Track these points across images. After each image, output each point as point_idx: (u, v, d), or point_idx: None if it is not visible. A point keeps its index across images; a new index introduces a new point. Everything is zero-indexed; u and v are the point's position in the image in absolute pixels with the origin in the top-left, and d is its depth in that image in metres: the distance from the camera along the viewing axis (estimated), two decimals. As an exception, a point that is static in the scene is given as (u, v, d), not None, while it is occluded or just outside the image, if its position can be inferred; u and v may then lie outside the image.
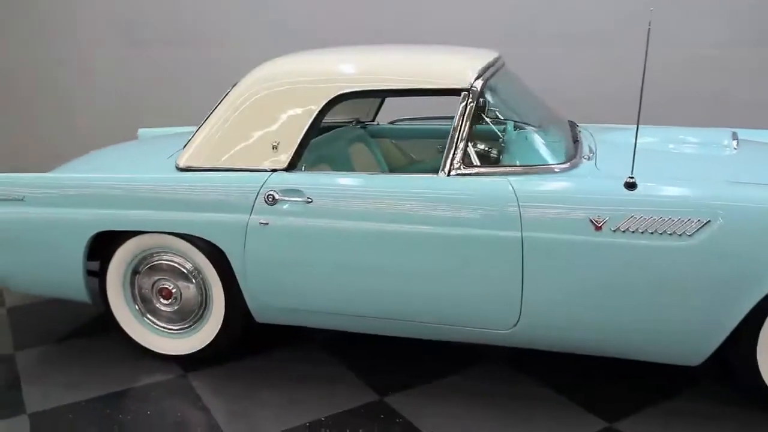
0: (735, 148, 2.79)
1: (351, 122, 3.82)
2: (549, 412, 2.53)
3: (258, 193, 2.61)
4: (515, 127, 2.92)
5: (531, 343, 2.57)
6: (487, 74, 2.67)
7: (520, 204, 2.39)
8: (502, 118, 2.82)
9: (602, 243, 2.33)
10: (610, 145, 2.89)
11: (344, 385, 2.73)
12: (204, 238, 2.69)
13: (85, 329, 3.27)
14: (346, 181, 2.62)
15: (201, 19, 5.38)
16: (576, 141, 2.83)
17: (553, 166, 2.53)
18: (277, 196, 2.59)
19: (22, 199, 2.85)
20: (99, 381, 2.80)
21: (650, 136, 2.96)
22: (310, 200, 2.56)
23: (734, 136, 2.86)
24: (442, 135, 2.96)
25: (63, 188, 2.82)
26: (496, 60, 2.98)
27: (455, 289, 2.50)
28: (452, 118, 2.52)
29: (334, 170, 3.01)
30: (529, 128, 2.89)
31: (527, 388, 2.68)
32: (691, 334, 2.37)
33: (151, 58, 5.51)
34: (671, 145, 2.84)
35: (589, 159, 2.63)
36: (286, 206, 2.58)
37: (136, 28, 5.53)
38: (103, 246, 2.86)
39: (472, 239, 2.43)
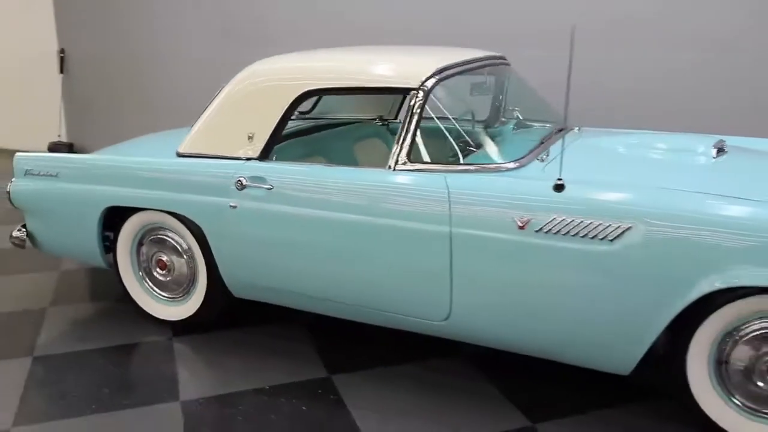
0: (714, 157, 2.67)
1: (374, 119, 4.01)
2: (480, 406, 2.58)
3: (231, 178, 2.88)
4: (482, 126, 2.97)
5: (465, 337, 2.64)
6: (448, 73, 2.76)
7: (451, 200, 2.47)
8: (459, 116, 2.88)
9: (524, 243, 2.36)
10: (584, 149, 2.87)
11: (302, 360, 2.94)
12: (188, 216, 3.01)
13: (115, 294, 3.70)
14: (304, 171, 2.81)
15: (283, 20, 5.80)
16: (542, 142, 2.83)
17: (500, 165, 2.58)
18: (245, 182, 2.84)
19: (56, 175, 3.31)
20: (104, 336, 3.20)
21: (628, 140, 2.92)
22: (271, 187, 2.79)
23: (718, 144, 2.74)
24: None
25: (84, 167, 3.25)
26: (478, 60, 3.05)
27: (392, 279, 2.62)
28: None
29: (337, 163, 3.20)
30: (497, 127, 2.92)
31: (473, 383, 2.74)
32: (611, 341, 2.34)
33: (233, 55, 6.01)
34: (642, 151, 2.77)
35: (542, 161, 2.64)
36: (252, 192, 2.83)
37: (229, 29, 6.07)
38: (116, 219, 3.27)
39: (407, 232, 2.54)
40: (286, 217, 2.76)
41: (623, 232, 2.23)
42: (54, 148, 6.99)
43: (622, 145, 2.88)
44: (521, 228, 2.37)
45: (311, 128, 3.63)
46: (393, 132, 3.94)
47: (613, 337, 2.32)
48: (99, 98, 6.98)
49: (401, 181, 2.58)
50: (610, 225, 2.24)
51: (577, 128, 3.25)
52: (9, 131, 7.14)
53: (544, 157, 2.67)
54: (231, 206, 2.87)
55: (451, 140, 2.68)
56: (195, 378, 2.85)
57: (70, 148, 7.05)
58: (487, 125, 2.98)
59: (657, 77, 4.51)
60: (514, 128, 3.22)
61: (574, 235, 2.29)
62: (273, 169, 2.83)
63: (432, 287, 2.55)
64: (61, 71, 7.03)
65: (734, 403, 2.27)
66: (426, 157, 2.63)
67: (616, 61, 4.61)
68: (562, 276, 2.33)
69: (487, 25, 4.89)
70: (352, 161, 3.53)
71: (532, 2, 4.77)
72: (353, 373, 2.84)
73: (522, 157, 2.63)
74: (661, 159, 2.69)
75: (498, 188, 2.45)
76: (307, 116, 3.83)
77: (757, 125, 4.04)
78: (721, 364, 2.28)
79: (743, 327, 2.23)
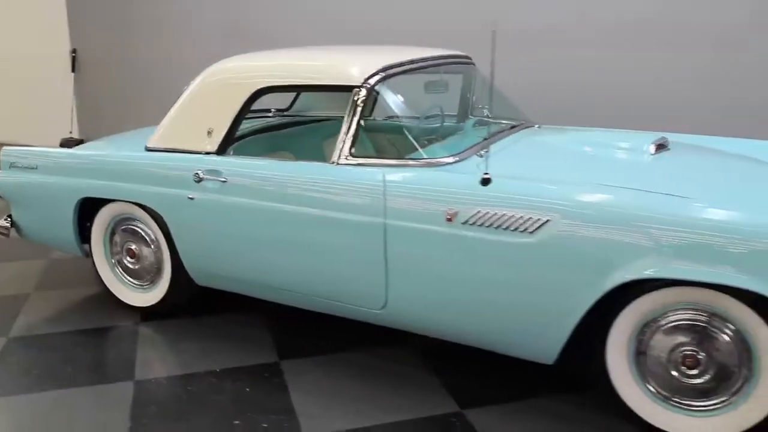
0: (652, 153, 2.73)
1: (348, 116, 4.11)
2: (416, 392, 2.67)
3: (190, 171, 3.02)
4: (432, 122, 3.06)
5: (401, 325, 2.74)
6: (394, 71, 2.87)
7: (386, 193, 2.57)
8: (406, 113, 2.98)
9: (452, 234, 2.45)
10: (529, 146, 2.95)
11: (257, 345, 3.07)
12: (152, 207, 3.16)
13: (96, 281, 3.87)
14: (256, 165, 2.93)
15: (284, 23, 5.94)
16: (486, 139, 2.91)
17: (439, 159, 2.68)
18: (202, 175, 2.98)
19: (36, 168, 3.50)
20: (78, 320, 3.39)
21: (577, 137, 2.99)
22: (225, 180, 2.93)
23: (659, 141, 2.79)
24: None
25: (61, 160, 3.43)
26: (433, 59, 3.15)
27: (333, 268, 2.74)
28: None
29: (303, 158, 3.31)
30: (457, 124, 3.02)
31: (414, 370, 2.83)
32: (533, 330, 2.41)
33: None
34: (585, 147, 2.84)
35: (481, 156, 2.72)
36: (208, 184, 2.97)
37: (231, 30, 6.25)
38: (91, 209, 3.44)
39: (345, 223, 2.65)
40: (238, 208, 2.89)
41: (542, 225, 2.30)
42: (66, 143, 7.24)
43: (567, 142, 2.95)
44: (449, 220, 2.46)
45: (284, 124, 3.76)
46: (367, 129, 4.03)
47: (534, 326, 2.40)
48: (109, 96, 7.23)
49: (342, 175, 2.69)
50: (530, 218, 2.32)
51: (537, 125, 3.33)
52: (23, 127, 7.42)
53: (483, 152, 2.75)
54: (189, 198, 3.01)
55: (395, 136, 2.79)
56: (153, 360, 3.01)
57: (81, 143, 7.29)
58: (442, 122, 3.07)
59: (656, 78, 4.53)
60: (474, 125, 3.31)
61: (497, 228, 2.38)
62: (228, 162, 2.97)
63: (369, 277, 2.65)
64: (73, 70, 7.30)
65: (650, 391, 2.33)
66: (368, 152, 2.74)
67: (616, 61, 4.63)
68: (487, 267, 2.42)
69: (484, 24, 4.94)
70: (319, 157, 3.64)
71: (531, 2, 4.82)
72: (303, 358, 2.96)
73: (461, 152, 2.72)
74: (599, 155, 2.74)
75: (429, 182, 2.54)
76: (285, 113, 3.96)
77: (757, 125, 4.04)
78: (639, 354, 2.34)
79: (661, 318, 2.29)
